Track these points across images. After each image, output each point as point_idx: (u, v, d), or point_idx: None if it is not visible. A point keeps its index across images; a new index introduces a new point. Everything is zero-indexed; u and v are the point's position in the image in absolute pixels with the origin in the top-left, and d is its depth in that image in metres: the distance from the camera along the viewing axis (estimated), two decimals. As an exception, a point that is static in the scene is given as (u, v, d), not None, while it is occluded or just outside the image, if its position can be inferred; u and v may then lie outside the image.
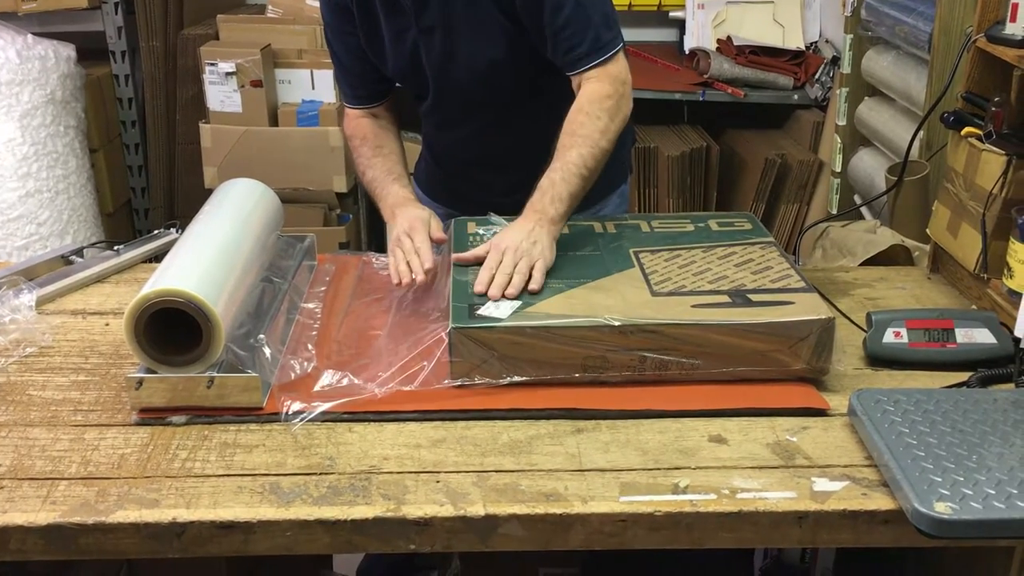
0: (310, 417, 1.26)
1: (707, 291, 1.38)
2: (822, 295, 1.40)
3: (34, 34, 3.01)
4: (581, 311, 1.32)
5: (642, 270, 1.46)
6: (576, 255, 1.51)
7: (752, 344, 1.31)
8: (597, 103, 1.53)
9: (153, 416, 1.27)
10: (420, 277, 1.48)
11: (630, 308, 1.33)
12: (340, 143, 3.14)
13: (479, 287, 1.40)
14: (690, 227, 1.62)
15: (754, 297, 1.36)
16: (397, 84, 1.80)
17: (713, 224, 1.63)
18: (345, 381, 1.32)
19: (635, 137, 2.04)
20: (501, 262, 1.42)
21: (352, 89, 1.80)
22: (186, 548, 1.09)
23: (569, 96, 1.58)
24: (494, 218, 1.60)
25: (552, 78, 1.61)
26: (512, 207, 1.54)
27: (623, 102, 1.56)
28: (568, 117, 1.54)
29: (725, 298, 1.36)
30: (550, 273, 1.44)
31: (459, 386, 1.31)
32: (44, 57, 2.94)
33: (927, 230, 1.76)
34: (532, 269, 1.42)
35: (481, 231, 1.57)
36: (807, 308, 1.33)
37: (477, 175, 1.83)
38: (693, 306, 1.34)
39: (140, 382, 1.26)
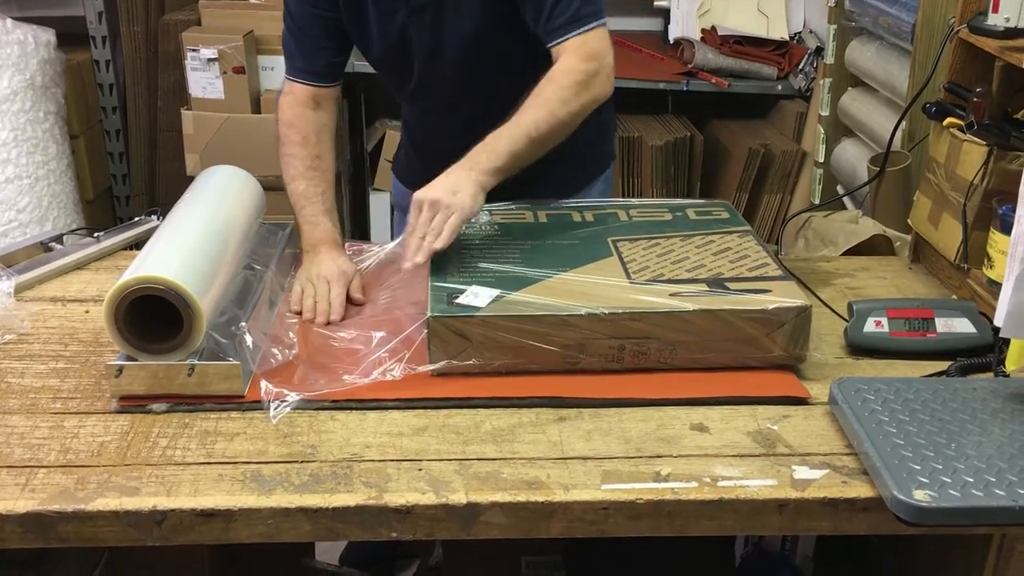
0: (292, 405, 1.26)
1: (685, 279, 1.39)
2: (801, 283, 1.40)
3: (13, 18, 2.97)
4: (560, 299, 1.32)
5: (620, 259, 1.46)
6: (554, 244, 1.51)
7: (729, 331, 1.31)
8: (566, 74, 1.51)
9: (133, 404, 1.26)
10: (320, 321, 1.47)
11: (608, 296, 1.33)
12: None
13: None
14: (668, 216, 1.62)
15: (732, 285, 1.37)
16: (376, 73, 1.78)
17: (691, 213, 1.64)
18: (327, 369, 1.32)
19: (616, 123, 2.01)
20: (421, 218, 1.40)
21: (305, 61, 1.70)
22: (166, 536, 1.09)
23: None
24: None
25: (542, 63, 1.59)
26: (495, 194, 1.53)
27: (595, 80, 1.52)
28: (537, 85, 1.52)
29: (703, 286, 1.37)
30: (530, 262, 1.43)
31: (440, 374, 1.31)
32: (23, 42, 2.91)
33: (908, 220, 1.77)
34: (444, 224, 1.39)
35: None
36: (784, 295, 1.34)
37: None
38: (671, 294, 1.34)
39: (120, 370, 1.25)
